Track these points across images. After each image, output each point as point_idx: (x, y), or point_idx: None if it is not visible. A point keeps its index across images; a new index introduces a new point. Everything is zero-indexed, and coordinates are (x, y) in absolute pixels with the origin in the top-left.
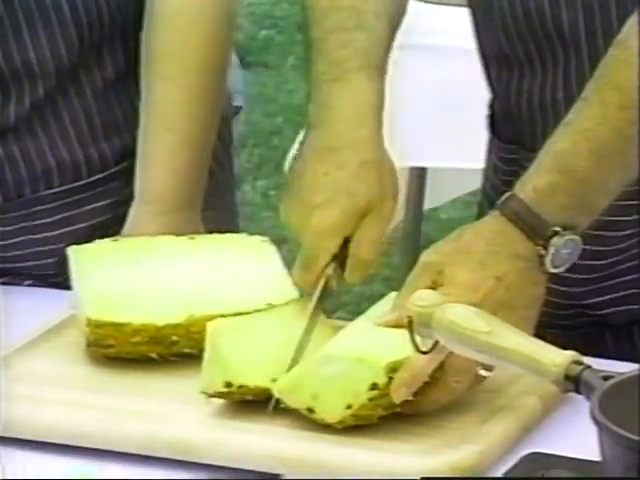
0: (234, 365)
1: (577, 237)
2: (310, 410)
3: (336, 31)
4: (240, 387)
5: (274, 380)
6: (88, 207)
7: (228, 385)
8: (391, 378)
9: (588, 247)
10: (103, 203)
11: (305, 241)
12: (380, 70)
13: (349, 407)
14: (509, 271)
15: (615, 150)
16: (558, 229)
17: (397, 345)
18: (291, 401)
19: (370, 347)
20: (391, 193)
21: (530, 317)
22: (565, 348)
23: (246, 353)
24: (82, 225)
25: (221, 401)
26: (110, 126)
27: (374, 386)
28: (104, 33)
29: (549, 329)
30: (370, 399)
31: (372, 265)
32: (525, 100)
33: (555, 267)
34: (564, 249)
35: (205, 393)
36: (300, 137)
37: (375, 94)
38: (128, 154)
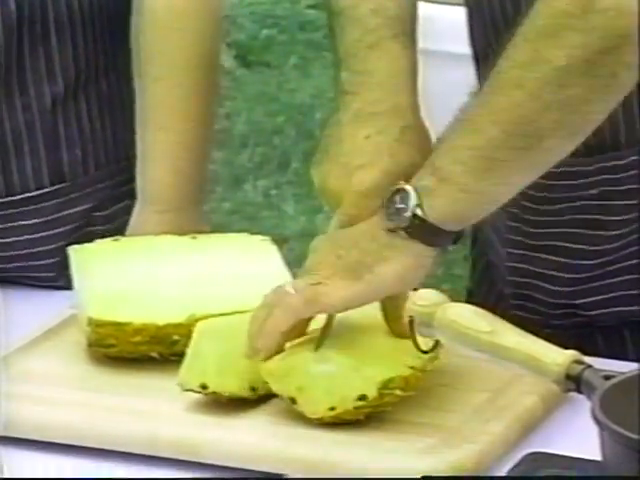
0: (211, 371)
1: (410, 189)
2: (292, 400)
3: (365, 0)
4: (214, 392)
5: (253, 389)
6: (12, 224)
7: (203, 387)
8: (382, 394)
9: (577, 246)
10: (30, 222)
11: (345, 201)
12: (411, 36)
13: (332, 409)
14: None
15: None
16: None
17: (394, 360)
18: (276, 387)
19: (368, 357)
20: None
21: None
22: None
23: (226, 360)
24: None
25: (225, 401)
26: (51, 144)
27: (363, 397)
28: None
29: (543, 328)
30: (355, 407)
31: None
32: None
33: (390, 220)
34: (394, 202)
35: (181, 386)
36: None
37: (410, 61)
38: (66, 175)
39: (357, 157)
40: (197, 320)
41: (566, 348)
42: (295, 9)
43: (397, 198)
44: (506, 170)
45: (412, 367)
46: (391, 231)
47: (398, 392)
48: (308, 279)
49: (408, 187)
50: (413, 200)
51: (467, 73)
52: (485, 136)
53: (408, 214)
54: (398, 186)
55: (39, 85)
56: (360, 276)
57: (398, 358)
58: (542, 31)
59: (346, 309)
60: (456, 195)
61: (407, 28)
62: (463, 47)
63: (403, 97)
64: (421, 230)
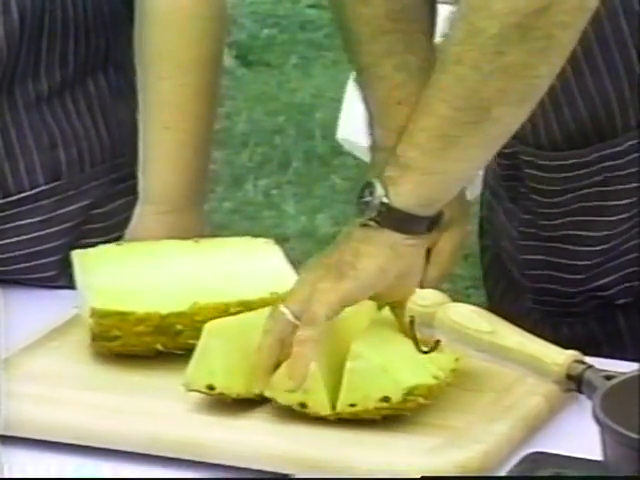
0: (219, 372)
1: (375, 180)
2: (302, 405)
3: (387, 55)
4: (221, 393)
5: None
6: (9, 225)
7: (210, 388)
8: (405, 399)
9: (588, 233)
10: (27, 221)
11: None
12: None
13: (353, 405)
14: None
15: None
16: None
17: (422, 367)
18: (282, 398)
19: (398, 360)
20: (467, 208)
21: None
22: (581, 334)
23: (234, 361)
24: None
25: (230, 401)
26: (43, 142)
27: (386, 398)
28: (37, 39)
29: (564, 317)
30: (376, 408)
31: (449, 272)
32: None
33: (361, 215)
34: (363, 196)
35: (186, 386)
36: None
37: None
38: (63, 174)
39: None
40: (200, 309)
41: (590, 331)
42: (296, 9)
43: (366, 192)
44: (462, 146)
45: (436, 377)
46: (364, 225)
47: (421, 400)
48: (297, 295)
49: (373, 179)
50: (379, 190)
51: None
52: (436, 115)
53: (375, 203)
54: (366, 181)
55: (24, 84)
56: (344, 274)
57: (426, 366)
58: (473, 4)
59: (342, 309)
60: (419, 179)
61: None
62: None
63: None
64: (390, 218)
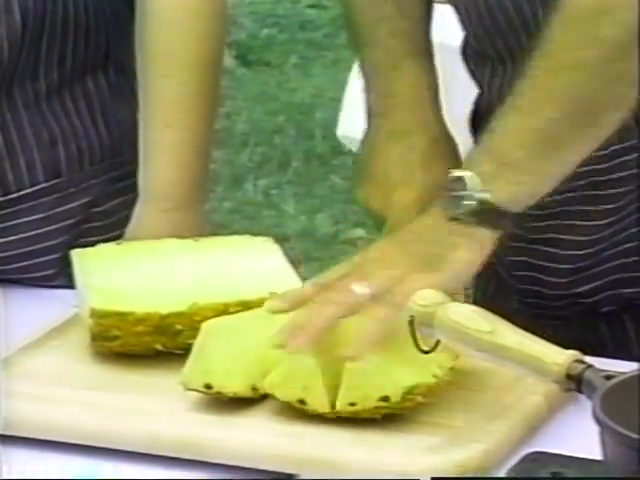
0: (217, 371)
1: (470, 175)
2: (301, 402)
3: (381, 21)
4: (218, 392)
5: (254, 388)
6: (9, 223)
7: (207, 387)
8: (405, 398)
9: (572, 237)
10: (27, 219)
11: (389, 218)
12: (427, 52)
13: (353, 404)
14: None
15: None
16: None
17: (422, 366)
18: (281, 394)
19: (398, 359)
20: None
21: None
22: (564, 338)
23: (231, 360)
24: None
25: (226, 399)
26: (43, 139)
27: (385, 398)
28: (36, 40)
29: (548, 320)
30: (376, 407)
31: None
32: (507, 96)
33: (452, 208)
34: (454, 190)
35: (184, 385)
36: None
37: (428, 77)
38: (62, 172)
39: (393, 175)
40: (199, 309)
41: (572, 338)
42: (295, 9)
43: (456, 186)
44: (568, 148)
45: (435, 376)
46: (454, 219)
47: (420, 399)
48: (385, 279)
49: (468, 173)
50: (477, 186)
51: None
52: (544, 118)
53: (473, 200)
54: (455, 174)
55: (22, 84)
56: (436, 267)
57: (426, 365)
58: (594, 9)
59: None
60: (520, 178)
61: (423, 45)
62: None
63: (428, 112)
64: (488, 215)
